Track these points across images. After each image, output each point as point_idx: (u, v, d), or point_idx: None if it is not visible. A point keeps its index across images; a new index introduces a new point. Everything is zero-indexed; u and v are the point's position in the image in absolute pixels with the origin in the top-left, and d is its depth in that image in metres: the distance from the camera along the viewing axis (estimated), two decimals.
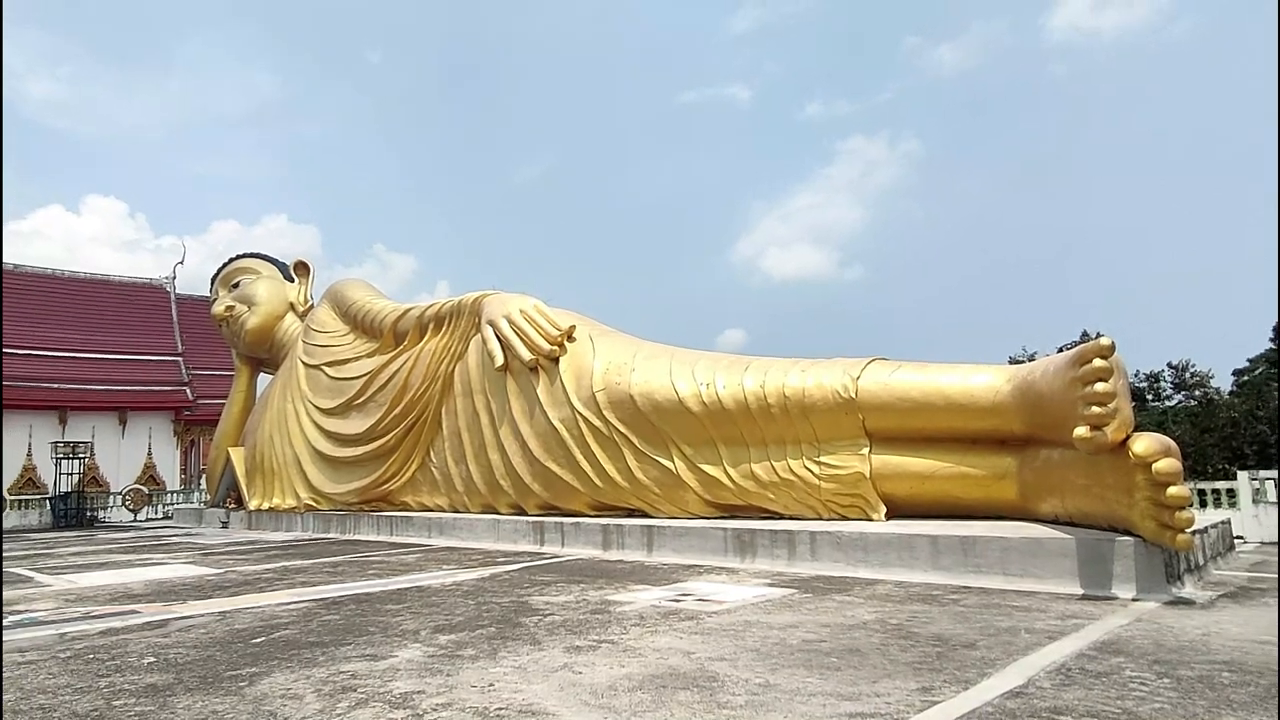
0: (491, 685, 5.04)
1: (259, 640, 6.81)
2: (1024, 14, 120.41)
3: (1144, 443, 7.65)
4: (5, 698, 5.17)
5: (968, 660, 5.36)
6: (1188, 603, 7.44)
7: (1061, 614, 7.00)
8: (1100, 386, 8.02)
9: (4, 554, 18.46)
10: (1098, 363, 8.17)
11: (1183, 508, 7.34)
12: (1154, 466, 7.44)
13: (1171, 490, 7.34)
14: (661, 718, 4.29)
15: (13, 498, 35.92)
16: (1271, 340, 47.60)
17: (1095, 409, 7.99)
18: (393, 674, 5.42)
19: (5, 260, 43.75)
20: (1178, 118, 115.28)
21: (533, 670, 5.41)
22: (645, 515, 13.95)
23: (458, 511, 17.73)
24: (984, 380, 10.75)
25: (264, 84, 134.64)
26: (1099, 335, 8.72)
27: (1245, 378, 48.11)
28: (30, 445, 38.25)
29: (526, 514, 15.94)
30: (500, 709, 4.52)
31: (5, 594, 10.83)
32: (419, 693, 4.91)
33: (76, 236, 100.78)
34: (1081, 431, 8.10)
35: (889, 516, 11.38)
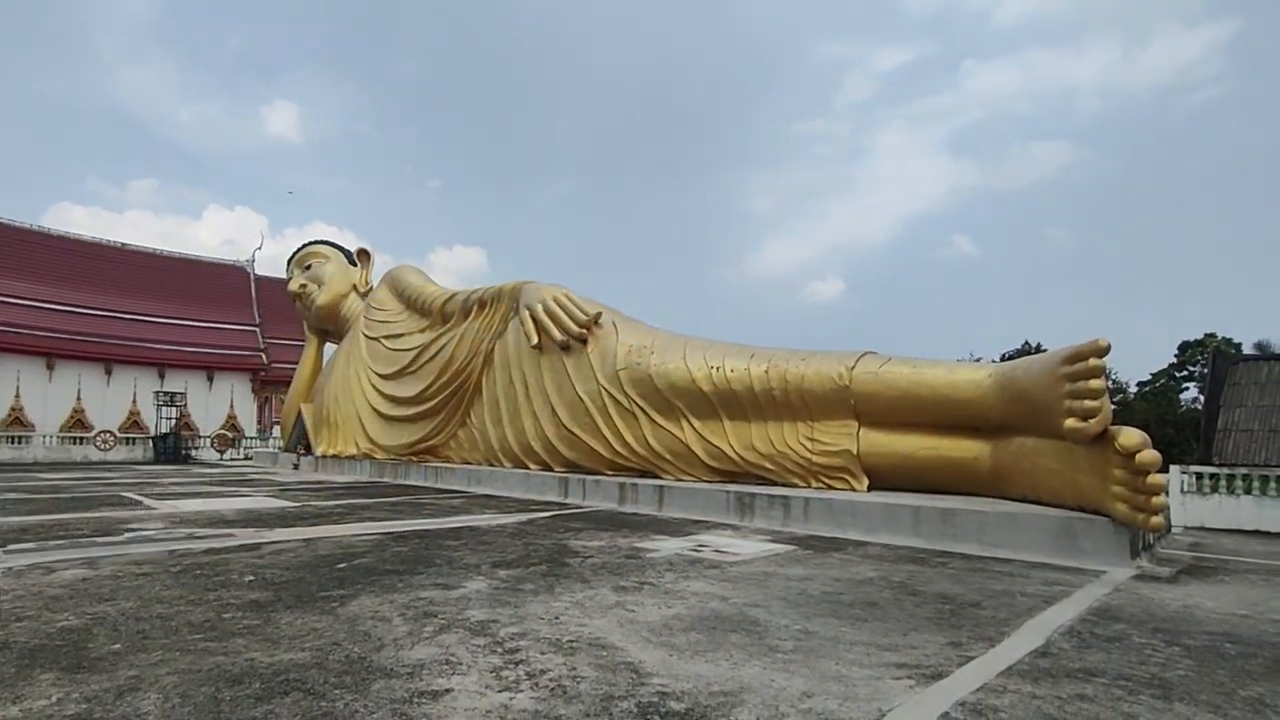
0: (557, 618, 4.63)
1: (342, 565, 6.39)
2: None
3: (1128, 435, 7.24)
4: (128, 604, 4.75)
5: (980, 619, 4.96)
6: (1153, 577, 7.02)
7: (1045, 580, 6.58)
8: (1093, 383, 7.60)
9: (117, 481, 18.06)
10: (1092, 361, 7.73)
11: (1158, 493, 6.95)
12: (1137, 457, 7.04)
13: (1152, 477, 6.95)
14: (721, 658, 3.89)
15: (122, 435, 36.74)
16: (1175, 355, 47.70)
17: (1087, 402, 7.57)
18: (465, 603, 5.01)
19: (117, 239, 43.94)
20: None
21: (590, 606, 5.00)
22: (655, 476, 13.55)
23: (493, 466, 17.30)
24: (967, 374, 10.32)
25: (346, 120, 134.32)
26: (1095, 340, 8.08)
27: (1148, 388, 48.06)
28: (135, 394, 38.42)
29: (553, 470, 15.52)
30: (572, 641, 4.12)
31: (122, 514, 10.41)
32: (494, 621, 4.51)
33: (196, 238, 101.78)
34: (1073, 422, 7.67)
35: (871, 489, 10.98)
